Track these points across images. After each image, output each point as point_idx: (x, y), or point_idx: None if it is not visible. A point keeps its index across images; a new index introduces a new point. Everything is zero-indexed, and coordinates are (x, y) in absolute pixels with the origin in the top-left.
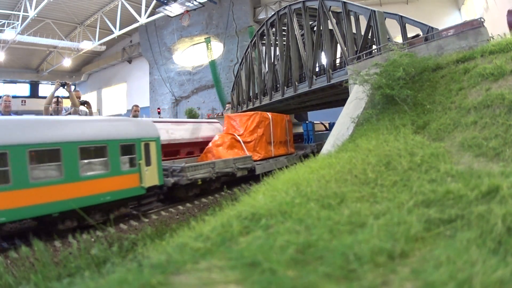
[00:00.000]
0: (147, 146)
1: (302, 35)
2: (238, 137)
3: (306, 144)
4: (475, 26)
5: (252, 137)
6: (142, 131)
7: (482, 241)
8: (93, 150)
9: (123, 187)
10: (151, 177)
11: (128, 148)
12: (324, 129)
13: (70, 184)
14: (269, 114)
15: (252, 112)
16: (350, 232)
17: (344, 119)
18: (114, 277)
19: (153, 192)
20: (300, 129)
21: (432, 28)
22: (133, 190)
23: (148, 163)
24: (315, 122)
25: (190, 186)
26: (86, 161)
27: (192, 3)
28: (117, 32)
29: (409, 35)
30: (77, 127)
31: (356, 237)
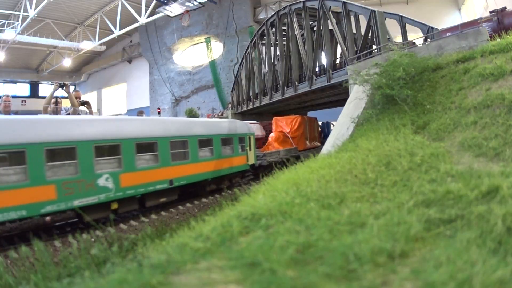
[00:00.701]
0: (249, 138)
1: (302, 35)
2: (287, 134)
3: (325, 139)
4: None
5: (295, 134)
6: (247, 129)
7: (482, 241)
8: (226, 139)
9: (240, 164)
10: (251, 158)
11: (242, 139)
12: None
13: (216, 160)
14: (305, 117)
15: (295, 116)
16: (350, 232)
17: (344, 119)
18: (114, 277)
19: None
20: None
21: (432, 28)
22: (244, 166)
23: (250, 149)
24: (331, 122)
25: (264, 167)
26: (224, 146)
27: (192, 3)
28: (117, 32)
29: (409, 35)
30: (219, 126)
31: (356, 237)
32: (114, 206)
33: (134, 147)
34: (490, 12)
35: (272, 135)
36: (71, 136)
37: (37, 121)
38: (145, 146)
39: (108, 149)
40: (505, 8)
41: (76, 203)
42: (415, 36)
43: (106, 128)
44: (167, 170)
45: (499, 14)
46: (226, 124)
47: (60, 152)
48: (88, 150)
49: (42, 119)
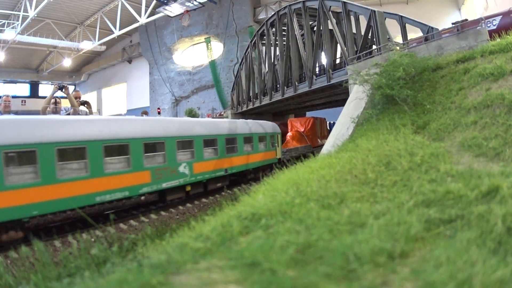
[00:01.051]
0: (277, 137)
1: (302, 35)
2: (303, 133)
3: None
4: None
5: (309, 133)
6: (276, 129)
7: (482, 241)
8: (262, 137)
9: (271, 157)
10: (278, 153)
11: (272, 137)
12: None
13: (255, 154)
14: (317, 118)
15: (308, 117)
16: (350, 232)
17: (344, 119)
18: (114, 277)
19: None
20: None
21: (432, 28)
22: (274, 159)
23: (278, 145)
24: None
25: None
26: (260, 142)
27: (192, 3)
28: (117, 32)
29: (409, 35)
30: (257, 126)
31: (356, 237)
32: (188, 188)
33: (203, 142)
34: (452, 23)
35: (289, 134)
36: (162, 134)
37: (136, 121)
38: (209, 141)
39: (186, 143)
40: (466, 19)
41: (164, 185)
42: (415, 36)
43: (183, 128)
44: (223, 161)
45: (460, 25)
46: (262, 125)
47: (153, 145)
48: (173, 144)
49: (140, 120)
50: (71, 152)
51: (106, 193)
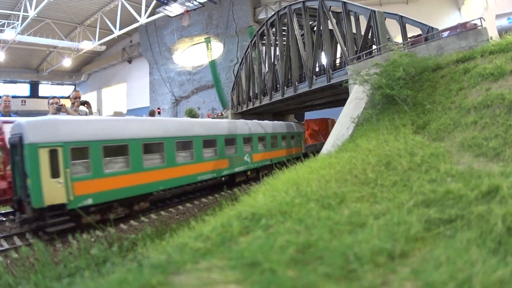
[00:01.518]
0: (303, 135)
1: (302, 35)
2: (318, 132)
3: None
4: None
5: (324, 132)
6: (301, 129)
7: (482, 241)
8: (293, 135)
9: (299, 151)
10: (303, 147)
11: (299, 135)
12: None
13: (289, 148)
14: (329, 119)
15: (322, 118)
16: (350, 232)
17: (344, 119)
18: (114, 277)
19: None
20: None
21: (432, 28)
22: (301, 152)
23: (303, 142)
24: None
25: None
26: (292, 139)
27: (192, 3)
28: (117, 32)
29: (409, 35)
30: (291, 127)
31: (356, 237)
32: (249, 173)
33: (257, 138)
34: (409, 37)
35: (307, 132)
36: (234, 132)
37: (222, 122)
38: (261, 138)
39: (248, 139)
40: (420, 35)
41: (236, 169)
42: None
43: (246, 128)
44: (269, 153)
45: (413, 39)
46: (293, 126)
47: (230, 140)
48: (241, 140)
49: (226, 121)
50: (184, 144)
51: (203, 174)
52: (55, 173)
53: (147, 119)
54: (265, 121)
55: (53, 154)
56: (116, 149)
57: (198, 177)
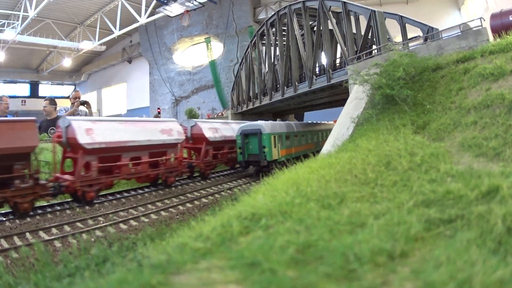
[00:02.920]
0: (328, 132)
1: (302, 35)
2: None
3: None
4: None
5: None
6: (330, 127)
7: (482, 241)
8: (327, 132)
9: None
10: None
11: (327, 132)
12: None
13: (323, 141)
14: None
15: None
16: (350, 232)
17: (344, 119)
18: (114, 277)
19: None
20: None
21: (432, 28)
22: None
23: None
24: None
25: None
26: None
27: (192, 3)
28: (117, 32)
29: (409, 35)
30: (327, 126)
31: (356, 237)
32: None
33: (310, 134)
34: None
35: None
36: (306, 130)
37: (306, 124)
38: (308, 134)
39: (308, 134)
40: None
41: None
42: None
43: (308, 127)
44: (313, 144)
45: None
46: (325, 124)
47: (310, 133)
48: (308, 134)
49: (306, 124)
50: (296, 136)
51: (304, 151)
52: (275, 146)
53: (297, 123)
54: (319, 122)
55: (274, 137)
56: (288, 136)
57: (301, 153)
